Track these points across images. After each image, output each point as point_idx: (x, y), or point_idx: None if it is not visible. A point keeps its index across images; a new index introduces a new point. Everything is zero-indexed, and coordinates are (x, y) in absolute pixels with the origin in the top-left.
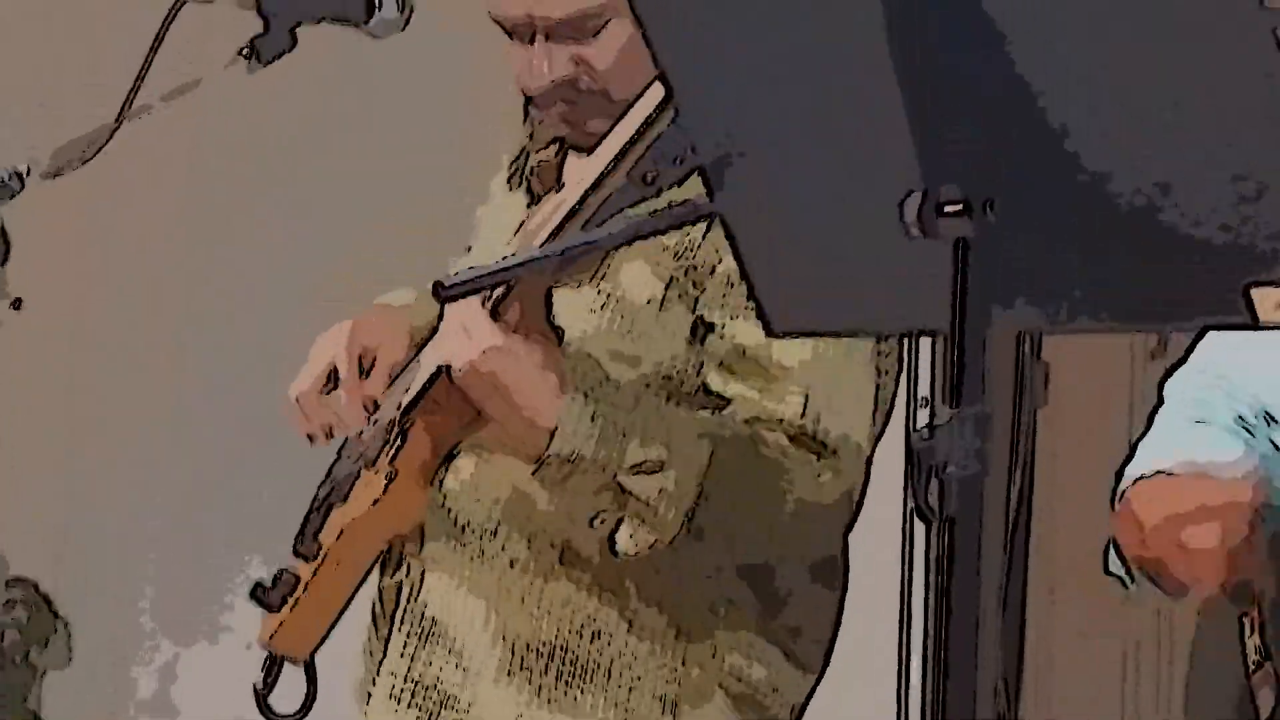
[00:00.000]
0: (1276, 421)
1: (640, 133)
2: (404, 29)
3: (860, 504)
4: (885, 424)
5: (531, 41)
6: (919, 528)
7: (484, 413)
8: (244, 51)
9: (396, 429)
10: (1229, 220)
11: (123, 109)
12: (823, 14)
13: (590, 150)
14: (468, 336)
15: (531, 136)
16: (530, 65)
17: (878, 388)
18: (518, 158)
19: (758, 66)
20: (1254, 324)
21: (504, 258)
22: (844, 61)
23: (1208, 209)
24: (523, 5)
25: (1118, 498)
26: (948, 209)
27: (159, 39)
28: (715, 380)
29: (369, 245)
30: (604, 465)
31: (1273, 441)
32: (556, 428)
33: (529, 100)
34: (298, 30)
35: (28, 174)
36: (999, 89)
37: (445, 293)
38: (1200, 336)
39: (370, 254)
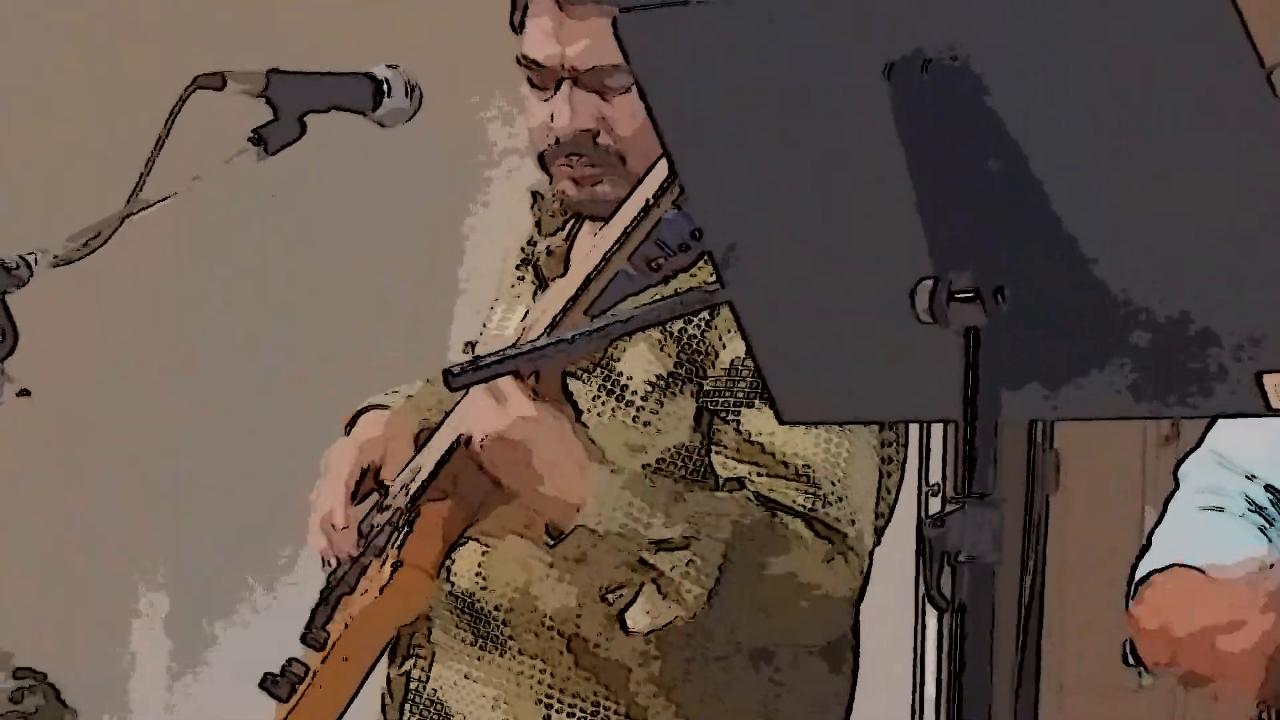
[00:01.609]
0: None
1: (644, 215)
2: (411, 119)
3: (863, 593)
4: (890, 515)
5: (556, 90)
6: (931, 615)
7: (506, 486)
8: (252, 139)
9: (405, 518)
10: (1241, 307)
11: (131, 197)
12: (832, 102)
13: (596, 218)
14: (497, 405)
15: (539, 225)
16: (551, 114)
17: (882, 475)
18: (527, 244)
19: (767, 154)
20: (1268, 410)
21: (514, 344)
22: (854, 149)
23: (1220, 296)
24: (555, 47)
25: (1134, 592)
26: (959, 296)
27: (168, 127)
28: (723, 467)
29: (373, 333)
30: (629, 538)
31: None
32: (583, 501)
33: (541, 163)
34: (306, 119)
35: (36, 262)
36: (1009, 177)
37: (455, 381)
38: (1214, 420)
39: (374, 342)
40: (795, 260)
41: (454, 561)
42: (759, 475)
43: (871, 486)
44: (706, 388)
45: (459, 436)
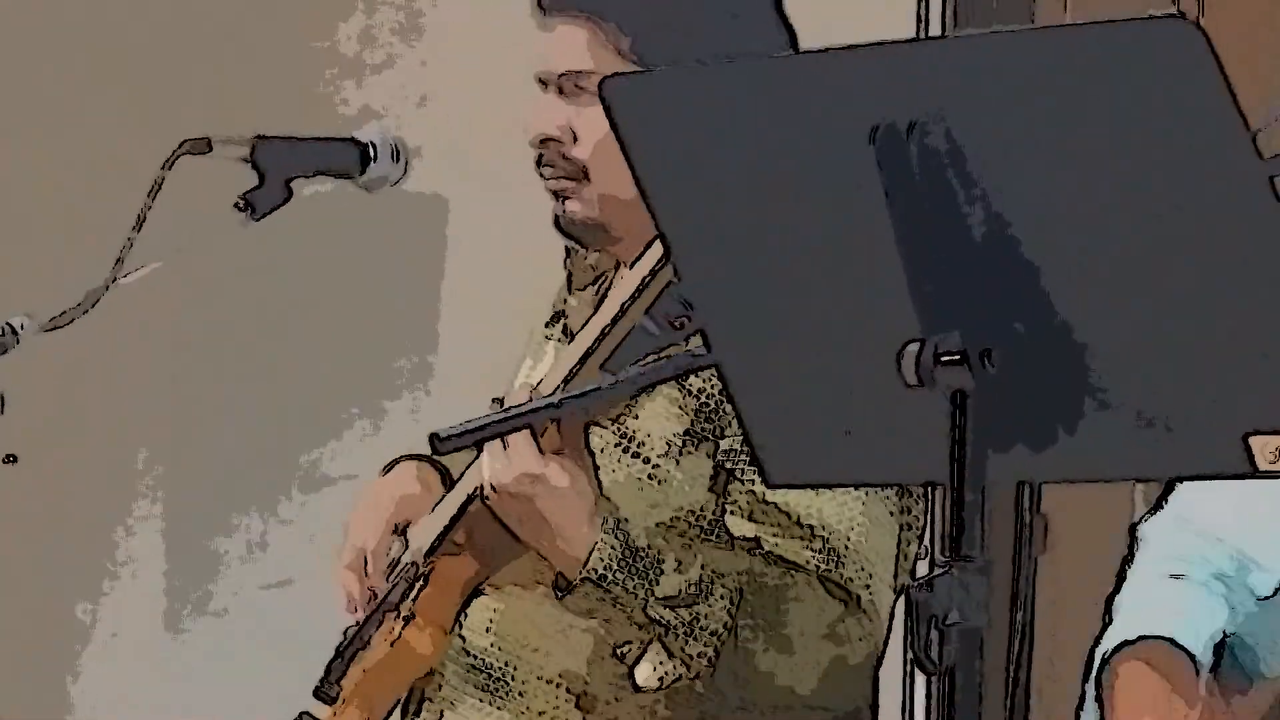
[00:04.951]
0: (1259, 566)
1: (659, 270)
2: (398, 183)
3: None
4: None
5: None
6: (920, 678)
7: (518, 536)
8: (239, 205)
9: (418, 572)
10: (1227, 370)
11: (118, 262)
12: (818, 165)
13: (576, 241)
14: (505, 459)
15: (570, 280)
16: (527, 119)
17: (901, 541)
18: (559, 300)
19: (752, 216)
20: (1254, 472)
21: (504, 407)
22: (839, 212)
23: (1205, 358)
24: (539, 54)
25: (1097, 669)
26: (945, 359)
27: (154, 193)
28: (737, 526)
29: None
30: (636, 593)
31: (1251, 589)
32: (591, 554)
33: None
34: (293, 184)
35: (22, 328)
36: (994, 240)
37: (442, 445)
38: (1172, 483)
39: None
40: (782, 322)
41: (467, 616)
42: (773, 536)
43: (889, 550)
44: (724, 447)
45: (473, 490)
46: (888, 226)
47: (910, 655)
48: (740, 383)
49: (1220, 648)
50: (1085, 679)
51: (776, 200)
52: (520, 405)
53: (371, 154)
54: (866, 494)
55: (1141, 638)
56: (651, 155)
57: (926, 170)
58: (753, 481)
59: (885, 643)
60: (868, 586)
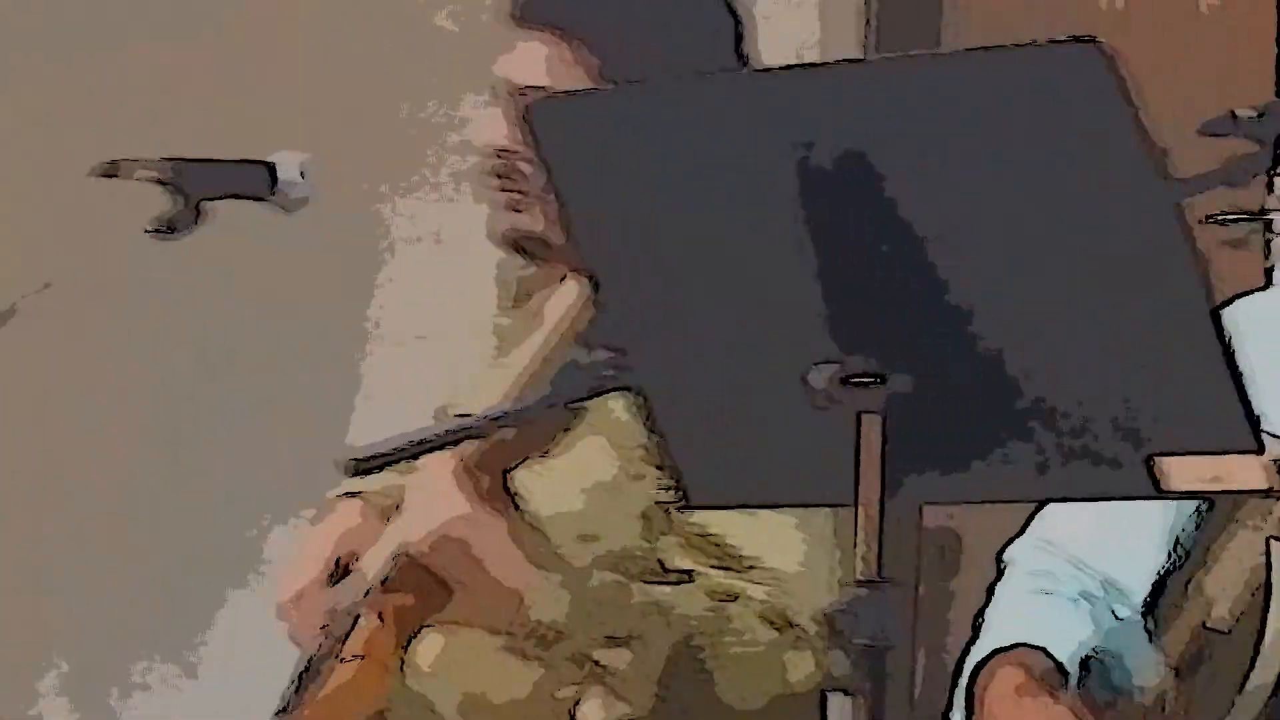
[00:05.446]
0: (1119, 591)
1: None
2: (310, 203)
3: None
4: None
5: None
6: (831, 698)
7: (452, 584)
8: (151, 227)
9: (362, 611)
10: (1133, 393)
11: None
12: (733, 186)
13: (524, 254)
14: (436, 505)
15: (502, 301)
16: (488, 128)
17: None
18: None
19: (669, 238)
20: (1159, 493)
21: (417, 432)
22: (754, 233)
23: (1113, 381)
24: (502, 64)
25: (968, 678)
26: (855, 380)
27: (67, 217)
28: (674, 561)
29: (271, 421)
30: (575, 635)
31: (1114, 612)
32: (527, 596)
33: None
34: (205, 205)
35: None
36: (906, 262)
37: (358, 467)
38: (1040, 507)
39: (272, 430)
40: (698, 344)
41: (412, 653)
42: (709, 567)
43: (828, 577)
44: (657, 481)
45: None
46: (802, 248)
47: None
48: (658, 404)
49: (1086, 664)
50: (953, 689)
51: (693, 222)
52: (437, 428)
53: (281, 176)
54: (807, 520)
55: (1015, 645)
56: (571, 177)
57: (839, 192)
58: (693, 517)
59: None
60: (809, 616)
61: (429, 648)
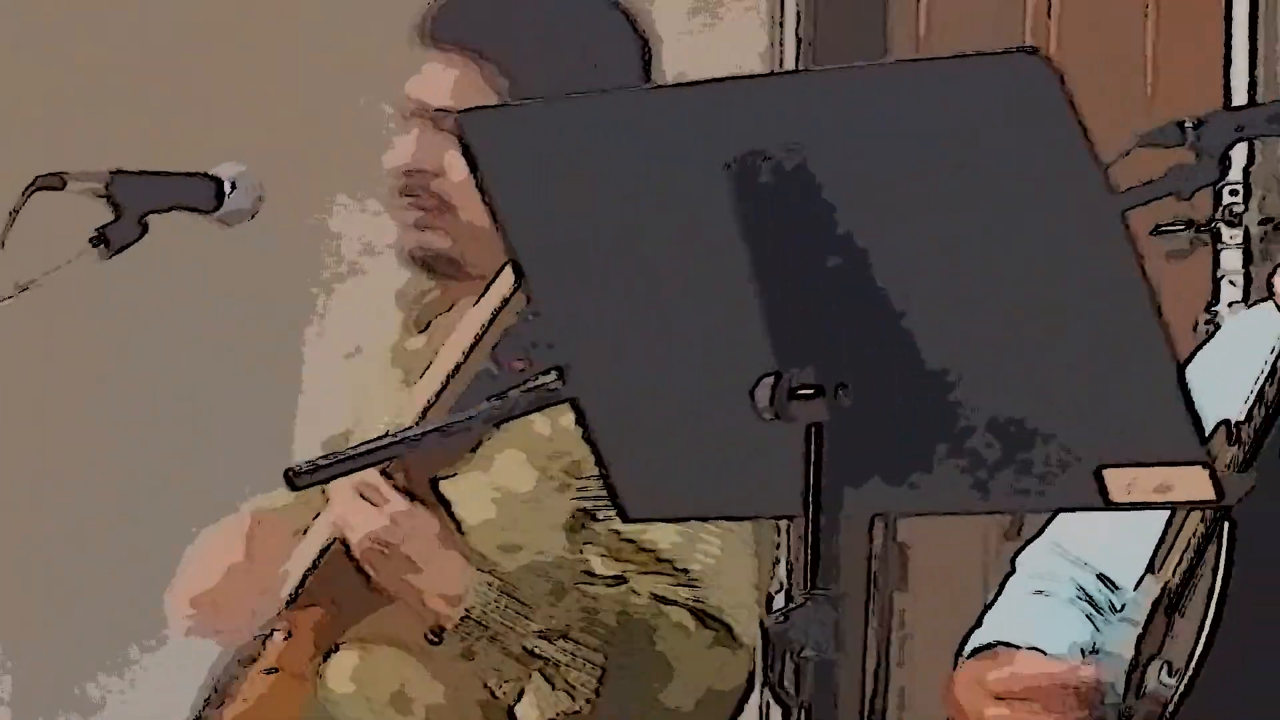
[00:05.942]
0: (1116, 587)
1: (500, 311)
2: (254, 217)
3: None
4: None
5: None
6: (775, 712)
7: (383, 586)
8: (94, 240)
9: (277, 623)
10: (1079, 405)
11: None
12: (673, 199)
13: (434, 273)
14: (369, 505)
15: (408, 325)
16: (401, 150)
17: (760, 569)
18: (396, 345)
19: (608, 250)
20: (1107, 504)
21: (358, 444)
22: (695, 246)
23: (1059, 392)
24: (413, 84)
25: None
26: (800, 392)
27: (8, 228)
28: (602, 565)
29: (211, 441)
30: (512, 628)
31: (1113, 604)
32: (464, 595)
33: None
34: (148, 219)
35: None
36: (849, 273)
37: (298, 480)
38: (1056, 512)
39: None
40: (638, 357)
41: (331, 668)
42: (638, 572)
43: (750, 578)
44: (579, 489)
45: (330, 541)
46: (744, 260)
47: (766, 688)
48: (597, 418)
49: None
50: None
51: (633, 235)
52: (377, 440)
53: (229, 189)
54: (721, 526)
55: (997, 643)
56: (509, 190)
57: (782, 204)
58: (611, 520)
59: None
60: (736, 614)
61: (347, 660)
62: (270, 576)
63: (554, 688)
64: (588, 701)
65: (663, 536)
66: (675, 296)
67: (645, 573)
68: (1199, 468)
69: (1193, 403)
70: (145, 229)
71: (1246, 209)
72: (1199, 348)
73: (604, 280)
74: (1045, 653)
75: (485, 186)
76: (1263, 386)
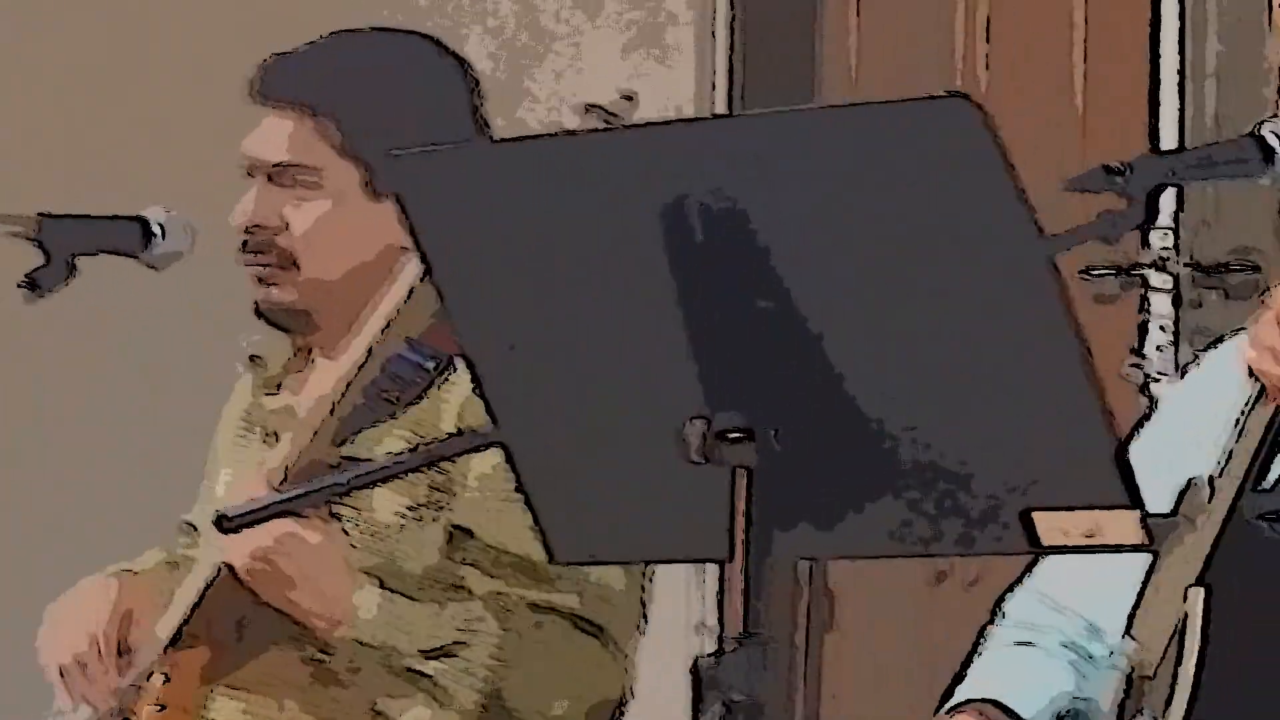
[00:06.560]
0: (1102, 634)
1: (372, 352)
2: (182, 259)
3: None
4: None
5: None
6: None
7: (270, 599)
8: (23, 283)
9: (157, 665)
10: (1007, 448)
11: None
12: (604, 241)
13: (279, 328)
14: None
15: (261, 386)
16: (242, 207)
17: (641, 580)
18: (249, 408)
19: (539, 293)
20: (1036, 548)
21: (286, 490)
22: (626, 289)
23: (987, 438)
24: (254, 140)
25: None
26: (729, 436)
27: None
28: (477, 584)
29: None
30: (395, 648)
31: (1101, 651)
32: (349, 613)
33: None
34: (77, 261)
35: None
36: (779, 317)
37: (228, 524)
38: (1038, 557)
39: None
40: (568, 400)
41: (215, 708)
42: (518, 586)
43: (628, 587)
44: (455, 506)
45: (211, 578)
46: (674, 303)
47: None
48: (526, 461)
49: (1069, 713)
50: None
51: (563, 277)
52: (307, 484)
53: (157, 232)
54: None
55: (970, 700)
56: (437, 233)
57: (712, 247)
58: (490, 538)
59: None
60: (615, 623)
61: (234, 704)
62: (139, 642)
63: (441, 706)
64: (474, 718)
65: (536, 548)
66: (605, 339)
67: (522, 585)
68: (1128, 511)
69: (1122, 447)
70: (74, 269)
71: (1176, 254)
72: (1149, 414)
73: (533, 322)
74: (1012, 711)
75: (413, 228)
76: (1232, 445)
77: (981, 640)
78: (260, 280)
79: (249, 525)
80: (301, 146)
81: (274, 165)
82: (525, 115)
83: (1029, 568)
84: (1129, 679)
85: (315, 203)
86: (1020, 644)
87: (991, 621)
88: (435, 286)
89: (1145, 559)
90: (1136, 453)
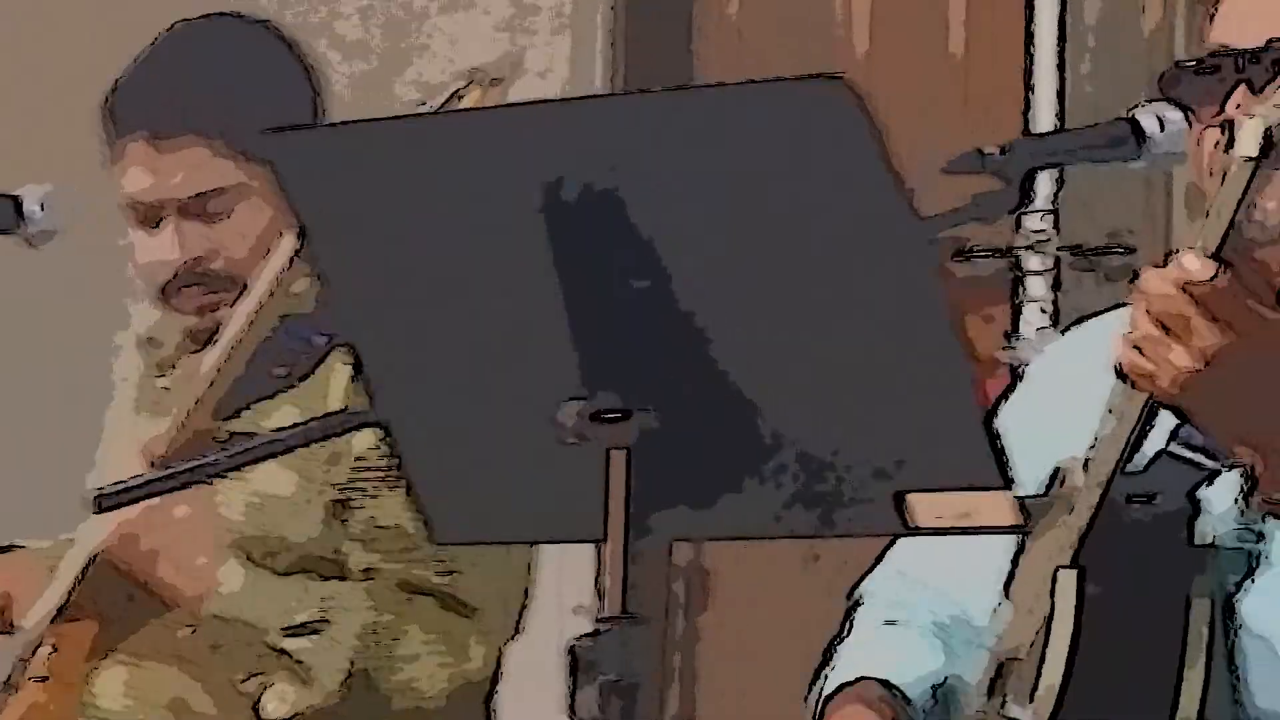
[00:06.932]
0: (970, 614)
1: (255, 318)
2: (56, 236)
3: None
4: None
5: (160, 225)
6: None
7: (138, 575)
8: None
9: (43, 637)
10: (881, 430)
11: None
12: (482, 222)
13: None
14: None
15: (158, 366)
16: (163, 249)
17: (526, 560)
18: (146, 388)
19: (418, 273)
20: (908, 529)
21: (163, 468)
22: (504, 269)
23: (859, 419)
24: (152, 180)
25: (820, 707)
26: (605, 416)
27: None
28: (357, 557)
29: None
30: (261, 624)
31: (966, 636)
32: (211, 589)
33: (163, 296)
34: None
35: None
36: (655, 298)
37: (105, 503)
38: (896, 539)
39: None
40: (446, 380)
41: (98, 682)
42: (393, 562)
43: (509, 572)
44: (335, 479)
45: (95, 551)
46: (552, 283)
47: (570, 711)
48: (407, 441)
49: (940, 692)
50: None
51: (441, 258)
52: (183, 463)
53: (32, 209)
54: None
55: (859, 679)
56: (315, 212)
57: (590, 227)
58: (370, 513)
59: (519, 696)
60: (488, 603)
61: (118, 674)
62: (21, 616)
63: (303, 683)
64: (339, 692)
65: (412, 525)
66: (483, 319)
67: (399, 561)
68: (1003, 493)
69: (993, 428)
70: None
71: (1055, 236)
72: (1016, 380)
73: (412, 302)
74: (895, 687)
75: (293, 208)
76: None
77: (848, 622)
78: (201, 310)
79: (127, 504)
80: (212, 172)
81: (191, 198)
82: (400, 94)
83: (887, 548)
84: (1000, 662)
85: (240, 218)
86: (889, 623)
87: (853, 603)
88: (314, 266)
89: (1007, 537)
90: (1002, 425)
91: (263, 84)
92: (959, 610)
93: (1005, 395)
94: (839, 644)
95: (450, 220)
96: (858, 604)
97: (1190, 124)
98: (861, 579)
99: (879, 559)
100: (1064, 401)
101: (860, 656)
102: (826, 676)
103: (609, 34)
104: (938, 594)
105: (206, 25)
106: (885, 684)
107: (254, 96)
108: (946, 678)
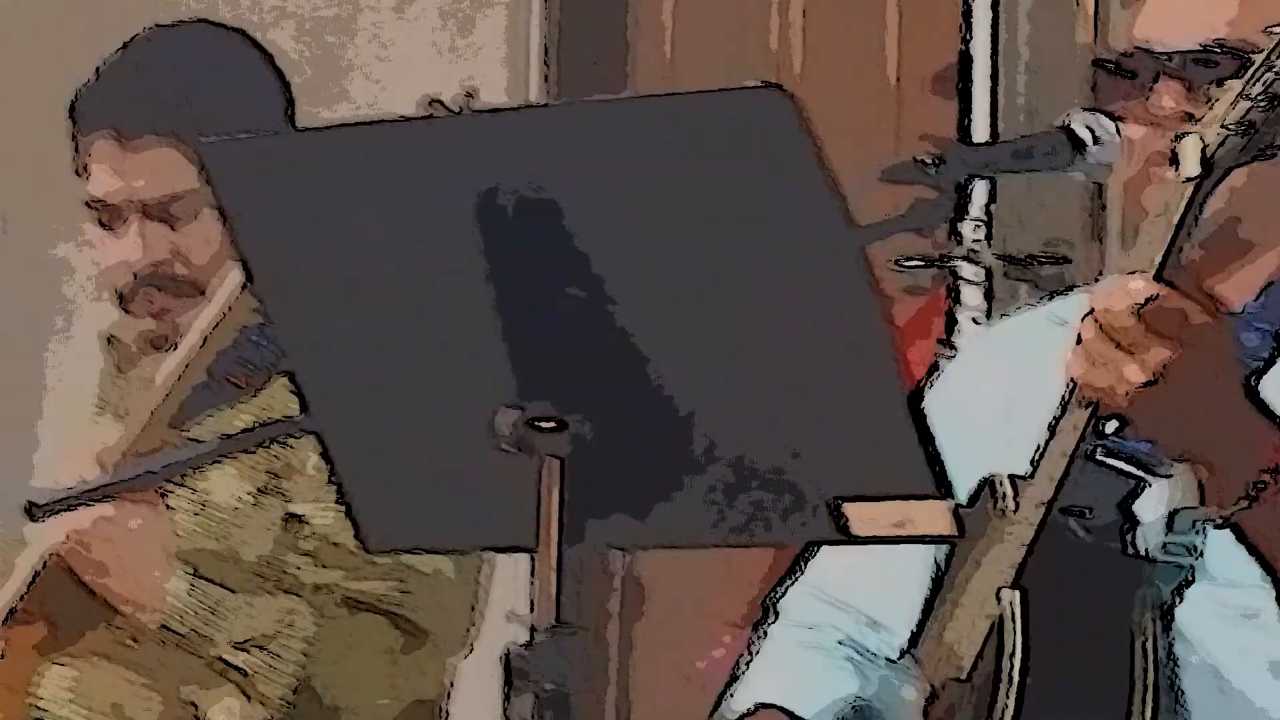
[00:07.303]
0: (885, 630)
1: (215, 329)
2: None
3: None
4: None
5: (125, 226)
6: None
7: (90, 583)
8: None
9: None
10: (816, 438)
11: None
12: (419, 231)
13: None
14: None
15: (119, 367)
16: (125, 250)
17: (479, 577)
18: (108, 388)
19: (352, 281)
20: (844, 537)
21: (101, 478)
22: (438, 276)
23: (796, 427)
24: (119, 182)
25: None
26: (540, 425)
27: None
28: (307, 572)
29: None
30: (210, 637)
31: (880, 654)
32: (160, 600)
33: (121, 301)
34: None
35: None
36: (590, 307)
37: (39, 512)
38: (808, 550)
39: None
40: (380, 388)
41: (43, 683)
42: (347, 579)
43: (460, 590)
44: (292, 493)
45: (45, 557)
46: (487, 291)
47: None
48: (338, 449)
49: (857, 713)
50: None
51: (376, 266)
52: (118, 474)
53: None
54: None
55: (759, 707)
56: (248, 220)
57: (525, 236)
58: (322, 527)
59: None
60: (435, 621)
61: (62, 677)
62: None
63: (248, 698)
64: (284, 709)
65: None
66: (418, 328)
67: (352, 579)
68: (939, 502)
69: (929, 436)
70: None
71: (988, 245)
72: (932, 372)
73: (345, 311)
74: (798, 716)
75: (225, 215)
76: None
77: (758, 638)
78: (159, 315)
79: (57, 514)
80: (179, 175)
81: (156, 200)
82: (333, 104)
83: (799, 564)
84: (936, 685)
85: (204, 224)
86: (799, 644)
87: (765, 619)
88: (247, 274)
89: (922, 553)
90: (928, 410)
91: (235, 90)
92: (871, 625)
93: (929, 378)
94: (748, 660)
95: (385, 228)
96: (775, 616)
97: (1120, 133)
98: (777, 585)
99: (793, 567)
100: (990, 402)
101: (765, 682)
102: (732, 694)
103: (542, 65)
104: (850, 610)
105: (181, 30)
106: (787, 713)
107: (225, 102)
108: (859, 701)
